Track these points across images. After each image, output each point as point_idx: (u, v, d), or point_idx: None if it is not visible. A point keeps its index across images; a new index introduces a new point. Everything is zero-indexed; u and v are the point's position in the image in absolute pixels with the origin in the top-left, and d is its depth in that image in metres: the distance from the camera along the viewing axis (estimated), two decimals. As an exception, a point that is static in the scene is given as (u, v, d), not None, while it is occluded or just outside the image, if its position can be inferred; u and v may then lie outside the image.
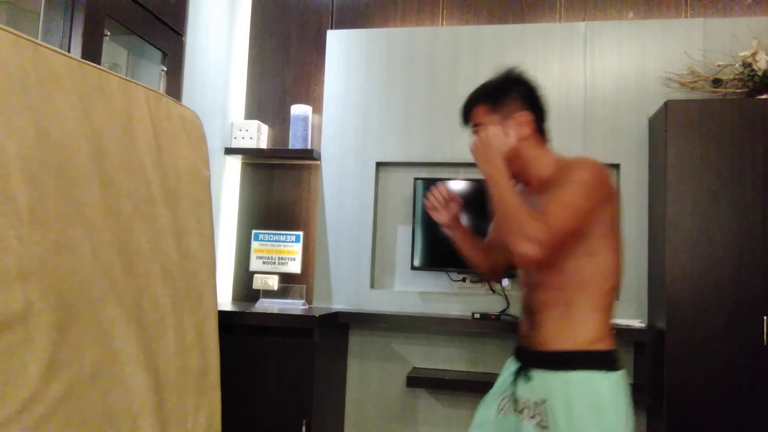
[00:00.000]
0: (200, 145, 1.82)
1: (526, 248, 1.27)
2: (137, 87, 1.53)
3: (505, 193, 1.34)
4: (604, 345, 1.37)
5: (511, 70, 1.51)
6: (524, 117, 1.45)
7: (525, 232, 1.27)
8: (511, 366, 1.53)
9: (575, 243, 1.36)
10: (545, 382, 1.36)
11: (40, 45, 1.21)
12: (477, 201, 2.75)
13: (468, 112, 1.52)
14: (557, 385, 1.34)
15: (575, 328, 1.36)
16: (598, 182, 1.36)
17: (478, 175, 2.84)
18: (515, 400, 1.44)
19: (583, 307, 1.37)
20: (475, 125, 1.50)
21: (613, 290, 1.41)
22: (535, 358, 1.41)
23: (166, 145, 1.62)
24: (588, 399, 1.30)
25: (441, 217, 1.66)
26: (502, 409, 1.48)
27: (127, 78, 1.50)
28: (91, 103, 1.33)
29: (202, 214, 1.75)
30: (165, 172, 1.59)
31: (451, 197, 1.66)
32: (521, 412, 1.41)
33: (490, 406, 1.54)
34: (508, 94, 1.47)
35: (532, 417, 1.37)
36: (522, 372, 1.44)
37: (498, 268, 1.73)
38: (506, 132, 1.43)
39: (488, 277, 1.68)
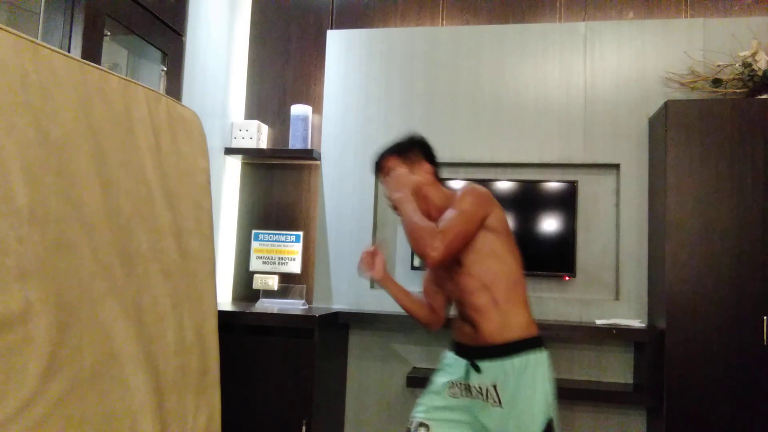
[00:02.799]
0: (200, 145, 1.82)
1: (430, 252, 1.57)
2: (137, 87, 1.53)
3: (410, 213, 1.67)
4: (532, 331, 1.67)
5: (412, 134, 1.90)
6: (426, 167, 1.83)
7: (427, 240, 1.58)
8: (453, 361, 1.76)
9: (477, 247, 1.66)
10: (495, 369, 1.63)
11: (40, 45, 1.21)
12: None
13: (381, 162, 1.85)
14: (506, 369, 1.62)
15: (508, 320, 1.65)
16: (476, 194, 1.68)
17: (479, 175, 2.84)
18: (467, 388, 1.69)
19: (506, 302, 1.66)
20: (383, 172, 1.85)
21: (522, 282, 1.70)
22: (481, 352, 1.67)
23: (166, 146, 1.62)
24: (530, 374, 1.61)
25: (375, 273, 1.89)
26: (454, 396, 1.71)
27: (127, 78, 1.50)
28: (91, 104, 1.33)
29: (202, 214, 1.75)
30: (165, 172, 1.59)
31: (375, 253, 1.91)
32: (475, 396, 1.67)
33: (442, 385, 1.75)
34: (412, 150, 1.84)
35: (486, 399, 1.64)
36: (473, 366, 1.68)
37: (440, 313, 1.95)
38: (412, 173, 1.80)
39: (434, 325, 1.96)
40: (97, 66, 1.40)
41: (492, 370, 1.64)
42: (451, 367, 1.76)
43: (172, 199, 1.60)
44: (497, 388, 1.62)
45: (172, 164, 1.64)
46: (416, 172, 1.82)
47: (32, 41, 1.19)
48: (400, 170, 1.82)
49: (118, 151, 1.40)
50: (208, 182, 1.83)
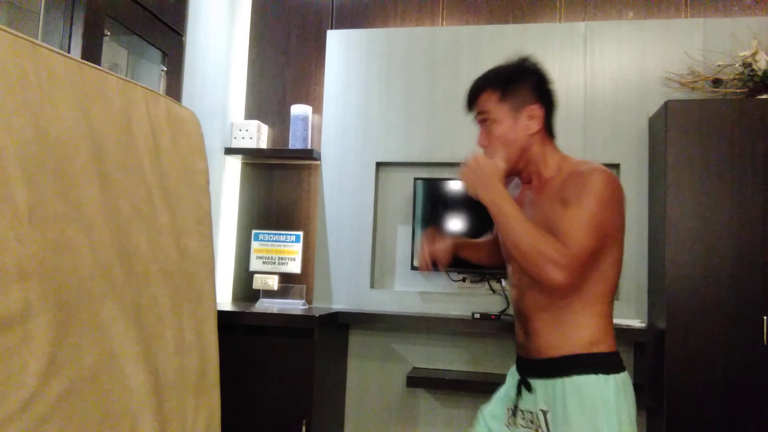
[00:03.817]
0: (199, 145, 1.82)
1: (552, 274, 1.19)
2: (136, 87, 1.53)
3: (512, 219, 1.24)
4: (602, 347, 1.30)
5: (526, 58, 1.42)
6: (536, 111, 1.36)
7: (546, 257, 1.19)
8: (514, 375, 1.46)
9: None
10: (545, 391, 1.30)
11: (39, 45, 1.21)
12: (478, 201, 2.75)
13: (474, 97, 1.41)
14: (557, 393, 1.28)
15: (570, 331, 1.29)
16: (615, 197, 1.28)
17: (478, 175, 2.84)
18: (515, 414, 1.37)
19: (578, 311, 1.30)
20: (480, 113, 1.40)
21: (611, 294, 1.34)
22: (533, 368, 1.34)
23: (165, 146, 1.62)
24: (587, 404, 1.24)
25: (441, 265, 1.58)
26: (513, 418, 1.40)
27: (126, 78, 1.50)
28: (90, 104, 1.33)
29: (201, 214, 1.75)
30: (164, 172, 1.59)
31: (432, 252, 1.58)
32: (523, 424, 1.35)
33: (499, 406, 1.48)
34: (521, 83, 1.37)
35: (524, 420, 1.33)
36: (523, 384, 1.37)
37: (496, 254, 1.65)
38: (515, 123, 1.36)
39: (498, 263, 1.60)
40: (96, 66, 1.40)
41: (542, 390, 1.31)
42: (510, 378, 1.47)
43: (171, 199, 1.60)
44: (547, 417, 1.28)
45: (171, 164, 1.64)
46: (520, 120, 1.35)
47: (31, 41, 1.19)
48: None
49: (117, 151, 1.41)
50: (207, 182, 1.84)
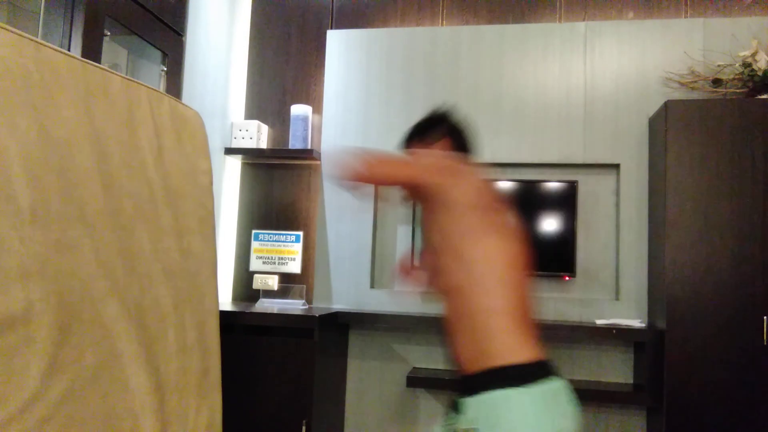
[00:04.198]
0: (202, 145, 1.81)
1: (348, 167, 1.29)
2: (139, 87, 1.53)
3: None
4: (516, 357, 1.20)
5: (438, 108, 1.60)
6: (446, 143, 1.53)
7: (351, 156, 1.30)
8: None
9: (446, 229, 1.28)
10: (470, 409, 1.21)
11: (43, 44, 1.21)
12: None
13: (406, 144, 1.60)
14: (480, 410, 1.20)
15: (480, 345, 1.22)
16: (448, 160, 1.37)
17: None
18: None
19: (478, 317, 1.23)
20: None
21: (511, 284, 1.25)
22: (460, 385, 1.27)
23: (168, 145, 1.62)
24: (504, 421, 1.16)
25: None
26: None
27: (130, 78, 1.50)
28: (94, 103, 1.33)
29: (204, 214, 1.75)
30: (167, 172, 1.59)
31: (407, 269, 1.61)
32: None
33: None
34: (435, 127, 1.56)
35: None
36: (453, 403, 1.29)
37: None
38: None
39: None
40: (100, 65, 1.40)
41: (470, 409, 1.22)
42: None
43: (174, 198, 1.60)
44: None
45: (175, 164, 1.63)
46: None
47: (34, 40, 1.19)
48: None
49: (121, 150, 1.40)
50: (211, 182, 1.83)
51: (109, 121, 1.37)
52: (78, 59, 1.32)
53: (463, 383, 1.26)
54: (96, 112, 1.33)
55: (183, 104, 1.76)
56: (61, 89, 1.23)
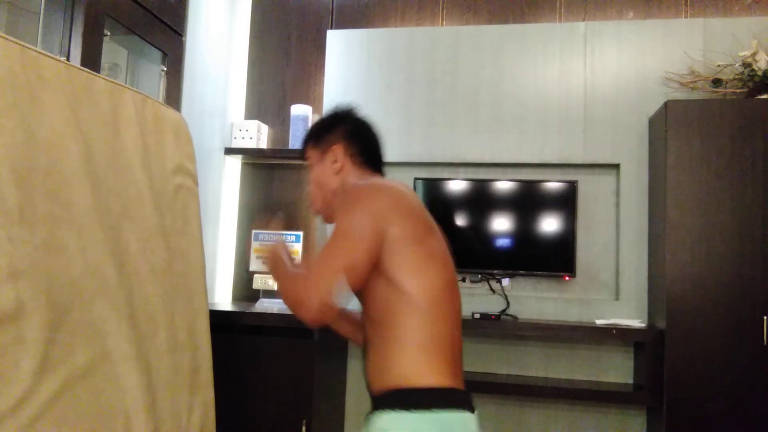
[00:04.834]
0: (187, 146, 1.82)
1: (302, 313, 1.13)
2: (124, 89, 1.54)
3: (278, 281, 1.25)
4: (424, 381, 1.17)
5: (338, 107, 1.50)
6: (336, 150, 1.41)
7: (295, 298, 1.14)
8: None
9: (372, 272, 1.21)
10: (371, 427, 1.20)
11: (27, 47, 1.23)
12: (478, 201, 2.76)
13: (303, 153, 1.51)
14: (376, 428, 1.17)
15: (388, 365, 1.19)
16: (357, 199, 1.24)
17: (479, 175, 2.84)
18: None
19: (396, 340, 1.19)
20: (306, 160, 1.50)
21: (437, 316, 1.21)
22: (371, 401, 1.25)
23: (153, 146, 1.63)
24: None
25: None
26: None
27: (114, 80, 1.51)
28: (79, 105, 1.35)
29: (189, 214, 1.76)
30: (152, 172, 1.60)
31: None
32: None
33: None
34: (331, 130, 1.45)
35: None
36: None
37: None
38: (322, 163, 1.43)
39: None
40: (84, 68, 1.41)
41: (369, 426, 1.21)
42: None
43: (160, 199, 1.61)
44: None
45: (159, 165, 1.65)
46: (325, 163, 1.41)
47: (19, 44, 1.20)
48: (313, 168, 1.43)
49: (106, 151, 1.42)
50: (196, 183, 1.85)
51: (94, 122, 1.39)
52: (63, 62, 1.33)
53: (372, 400, 1.24)
54: (81, 114, 1.35)
55: (166, 106, 1.77)
56: (46, 91, 1.25)
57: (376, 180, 1.34)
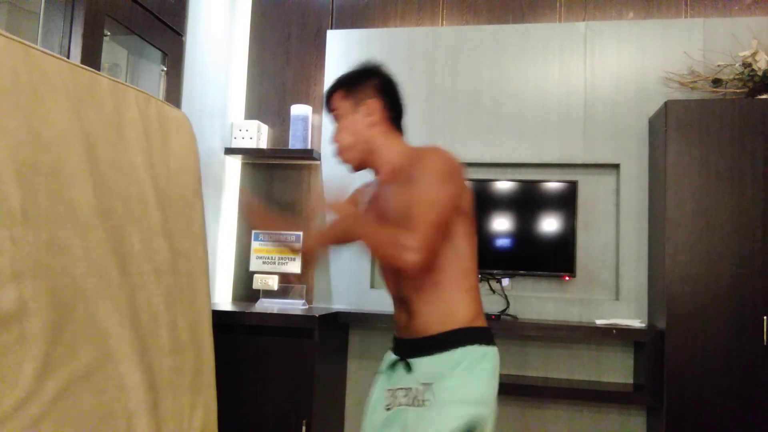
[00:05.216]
0: (191, 146, 1.82)
1: (410, 259, 1.26)
2: (127, 89, 1.54)
3: (362, 231, 1.36)
4: (479, 322, 1.41)
5: (368, 62, 1.56)
6: (373, 104, 1.48)
7: (400, 246, 1.27)
8: (388, 362, 1.51)
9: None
10: (429, 367, 1.36)
11: (31, 47, 1.22)
12: (478, 201, 2.75)
13: (328, 98, 1.54)
14: (443, 365, 1.35)
15: (447, 309, 1.38)
16: (449, 170, 1.37)
17: (479, 175, 2.84)
18: (395, 394, 1.42)
19: (451, 289, 1.39)
20: (332, 110, 1.53)
21: (474, 271, 1.43)
22: (415, 346, 1.41)
23: (157, 146, 1.63)
24: (466, 369, 1.33)
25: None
26: (389, 409, 1.44)
27: (118, 80, 1.51)
28: (82, 105, 1.34)
29: (193, 214, 1.76)
30: (156, 172, 1.60)
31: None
32: (403, 401, 1.39)
33: (375, 411, 1.51)
34: (362, 82, 1.50)
35: (406, 396, 1.38)
36: (400, 363, 1.43)
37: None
38: (356, 113, 1.48)
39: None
40: (88, 68, 1.41)
41: (425, 367, 1.36)
42: (385, 370, 1.50)
43: (164, 199, 1.61)
44: (431, 388, 1.33)
45: (163, 165, 1.65)
46: (359, 114, 1.47)
47: (23, 43, 1.20)
48: (344, 117, 1.48)
49: (110, 151, 1.41)
50: (200, 183, 1.84)
51: (97, 122, 1.38)
52: (66, 62, 1.33)
53: (423, 344, 1.38)
54: (84, 114, 1.34)
55: (170, 105, 1.77)
56: (49, 91, 1.25)
57: (451, 154, 1.41)
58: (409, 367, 1.39)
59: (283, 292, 2.89)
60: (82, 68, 1.39)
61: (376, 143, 1.48)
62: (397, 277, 1.45)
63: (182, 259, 1.65)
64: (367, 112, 1.47)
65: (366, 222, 1.42)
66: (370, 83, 1.50)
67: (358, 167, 1.54)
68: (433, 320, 1.38)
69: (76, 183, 1.28)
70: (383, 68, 1.54)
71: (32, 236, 1.15)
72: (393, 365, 1.47)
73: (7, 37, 1.16)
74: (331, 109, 1.53)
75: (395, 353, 1.48)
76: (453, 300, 1.39)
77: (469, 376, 1.33)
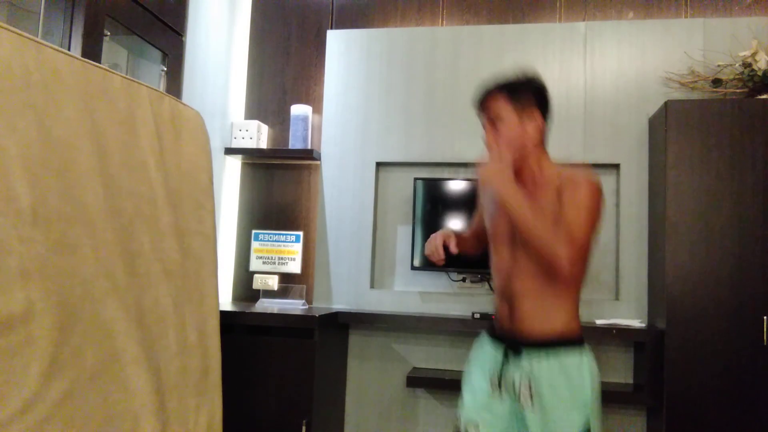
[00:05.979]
0: (203, 144, 1.81)
1: (564, 263, 1.37)
2: (140, 86, 1.53)
3: (526, 210, 1.42)
4: (577, 327, 1.51)
5: (529, 71, 1.57)
6: (536, 115, 1.50)
7: (560, 249, 1.38)
8: (488, 347, 1.59)
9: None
10: (531, 366, 1.46)
11: (43, 44, 1.21)
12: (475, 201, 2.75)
13: (485, 99, 1.54)
14: (542, 367, 1.45)
15: (554, 314, 1.48)
16: (600, 205, 1.46)
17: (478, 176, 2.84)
18: (500, 385, 1.52)
19: (559, 296, 1.48)
20: (487, 111, 1.54)
21: (581, 279, 1.50)
22: (522, 345, 1.49)
23: (169, 146, 1.61)
24: (569, 374, 1.44)
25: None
26: (498, 390, 1.53)
27: (130, 78, 1.49)
28: (94, 103, 1.33)
29: (204, 214, 1.75)
30: (167, 172, 1.59)
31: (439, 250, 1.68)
32: (508, 392, 1.50)
33: (482, 380, 1.58)
34: (527, 91, 1.51)
35: (519, 399, 1.47)
36: (510, 358, 1.51)
37: (483, 241, 1.77)
38: (520, 125, 1.49)
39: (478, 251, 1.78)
40: (100, 65, 1.40)
41: (531, 367, 1.46)
42: (485, 355, 1.59)
43: (175, 199, 1.60)
44: (531, 388, 1.45)
45: (175, 164, 1.63)
46: (522, 122, 1.48)
47: (35, 40, 1.18)
48: (507, 122, 1.48)
49: (121, 150, 1.40)
50: (211, 182, 1.83)
51: (109, 121, 1.37)
52: (78, 59, 1.31)
53: (528, 344, 1.47)
54: (96, 112, 1.33)
55: (183, 104, 1.76)
56: (61, 89, 1.23)
57: (597, 180, 1.49)
58: (518, 363, 1.48)
59: (283, 292, 2.89)
60: (95, 66, 1.37)
61: (531, 155, 1.52)
62: (508, 277, 1.53)
63: (191, 259, 1.65)
64: (532, 122, 1.50)
65: (531, 209, 1.44)
66: (533, 94, 1.51)
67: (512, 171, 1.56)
68: (537, 323, 1.48)
69: (86, 182, 1.27)
70: (542, 79, 1.56)
71: (41, 236, 1.14)
72: (502, 353, 1.54)
73: (18, 33, 1.15)
74: (486, 109, 1.54)
75: (497, 339, 1.57)
76: (559, 306, 1.48)
77: (573, 385, 1.44)
